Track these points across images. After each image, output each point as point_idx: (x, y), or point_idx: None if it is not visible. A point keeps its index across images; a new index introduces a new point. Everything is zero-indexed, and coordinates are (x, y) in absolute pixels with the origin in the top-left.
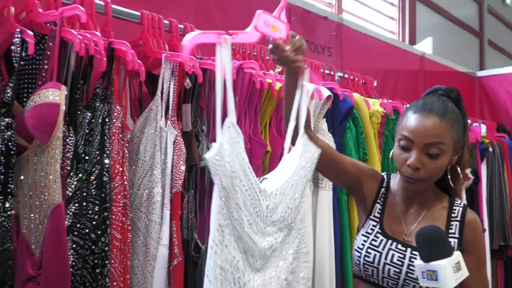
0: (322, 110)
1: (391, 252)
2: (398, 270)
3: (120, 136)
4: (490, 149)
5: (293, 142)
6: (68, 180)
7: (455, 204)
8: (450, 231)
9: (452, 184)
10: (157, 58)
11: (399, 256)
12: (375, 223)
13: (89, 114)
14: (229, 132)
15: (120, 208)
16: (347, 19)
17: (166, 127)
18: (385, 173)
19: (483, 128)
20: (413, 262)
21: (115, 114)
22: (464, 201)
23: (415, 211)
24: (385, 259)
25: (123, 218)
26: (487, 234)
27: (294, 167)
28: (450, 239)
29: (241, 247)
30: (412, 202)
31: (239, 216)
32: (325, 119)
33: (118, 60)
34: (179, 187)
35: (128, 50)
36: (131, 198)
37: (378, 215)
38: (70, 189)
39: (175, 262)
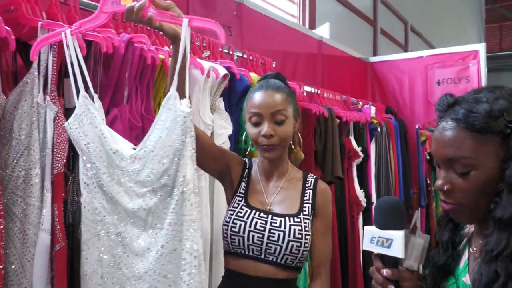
0: (219, 89)
1: (255, 220)
2: (261, 236)
3: None
4: (379, 129)
5: None
6: None
7: (309, 177)
8: (305, 198)
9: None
10: (33, 27)
11: (261, 223)
12: (240, 198)
13: None
14: (85, 104)
15: None
16: (248, 0)
17: (44, 102)
18: (246, 158)
19: (373, 109)
20: (273, 226)
21: None
22: (341, 176)
23: (274, 184)
24: (250, 227)
25: None
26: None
27: (159, 131)
28: (305, 205)
29: (109, 203)
30: (271, 176)
31: (97, 173)
32: (222, 98)
33: None
34: (61, 167)
35: None
36: (4, 181)
37: (243, 191)
38: None
39: (58, 248)
